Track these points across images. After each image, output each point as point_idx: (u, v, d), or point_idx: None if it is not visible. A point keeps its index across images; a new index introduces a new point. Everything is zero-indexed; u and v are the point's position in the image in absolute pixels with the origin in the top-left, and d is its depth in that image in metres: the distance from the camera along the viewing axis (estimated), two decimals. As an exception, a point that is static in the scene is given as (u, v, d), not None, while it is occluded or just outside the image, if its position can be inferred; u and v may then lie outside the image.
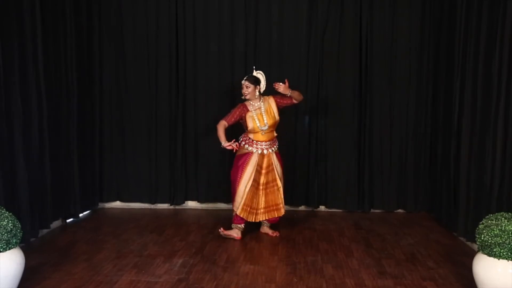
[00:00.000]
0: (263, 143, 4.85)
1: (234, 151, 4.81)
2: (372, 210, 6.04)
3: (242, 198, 4.77)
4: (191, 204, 6.22)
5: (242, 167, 4.81)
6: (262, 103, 4.87)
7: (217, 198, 6.10)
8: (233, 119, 4.84)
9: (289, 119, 5.70)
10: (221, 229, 4.88)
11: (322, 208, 6.11)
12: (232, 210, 4.92)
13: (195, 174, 6.11)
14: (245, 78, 4.87)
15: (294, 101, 4.91)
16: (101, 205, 6.19)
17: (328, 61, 5.93)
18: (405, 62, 5.90)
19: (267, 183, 4.87)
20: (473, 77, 4.61)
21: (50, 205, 4.93)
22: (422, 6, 5.81)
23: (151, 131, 6.09)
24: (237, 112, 4.85)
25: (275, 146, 4.95)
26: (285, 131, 5.89)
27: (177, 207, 6.17)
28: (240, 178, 4.79)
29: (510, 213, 3.41)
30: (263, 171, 4.85)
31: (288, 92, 4.80)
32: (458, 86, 4.91)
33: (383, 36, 5.87)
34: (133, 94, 6.08)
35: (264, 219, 4.94)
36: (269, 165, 4.87)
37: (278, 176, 4.91)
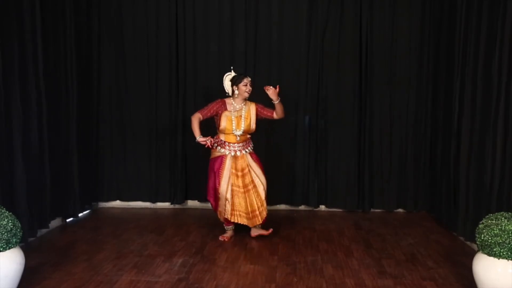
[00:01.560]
0: (236, 145, 4.75)
1: (207, 146, 4.69)
2: (372, 210, 6.05)
3: (226, 204, 4.70)
4: (191, 203, 6.22)
5: (219, 173, 4.71)
6: (244, 106, 4.77)
7: (217, 198, 6.10)
8: (209, 114, 4.72)
9: (289, 119, 5.70)
10: (221, 237, 4.86)
11: (322, 208, 6.11)
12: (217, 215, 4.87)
13: (195, 174, 6.11)
14: (247, 76, 4.77)
15: (275, 116, 4.79)
16: (101, 204, 6.20)
17: (328, 61, 5.94)
18: (405, 62, 5.90)
19: (244, 186, 4.75)
20: (473, 77, 4.61)
21: (49, 205, 4.93)
22: (422, 6, 5.81)
23: (151, 131, 6.10)
24: (215, 108, 4.73)
25: (249, 148, 4.83)
26: (285, 131, 5.91)
27: (177, 206, 6.18)
28: (219, 185, 4.70)
29: (510, 213, 3.40)
30: (239, 174, 4.74)
31: (275, 98, 4.66)
32: (458, 86, 4.90)
33: (383, 36, 5.87)
34: (133, 94, 6.09)
35: (244, 223, 4.79)
36: (244, 167, 4.75)
37: (257, 176, 4.78)
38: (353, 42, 5.90)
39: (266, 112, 4.83)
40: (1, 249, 3.25)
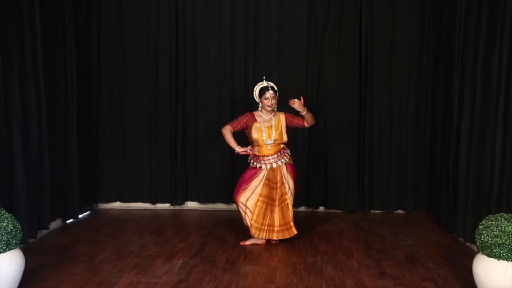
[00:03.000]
0: (270, 157, 4.65)
1: (249, 158, 4.66)
2: (372, 211, 6.04)
3: (247, 213, 4.63)
4: (191, 205, 6.22)
5: (247, 182, 4.64)
6: (273, 117, 4.70)
7: (217, 198, 6.10)
8: (239, 126, 4.66)
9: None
10: (242, 242, 4.75)
11: (322, 208, 6.11)
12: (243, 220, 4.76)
13: (195, 175, 6.11)
14: (270, 88, 4.62)
15: (306, 124, 4.73)
16: (101, 206, 6.19)
17: (328, 61, 5.93)
18: (405, 62, 5.89)
19: (279, 198, 4.67)
20: (472, 77, 4.61)
21: (48, 206, 4.92)
22: (422, 6, 5.81)
23: (151, 131, 6.09)
24: (244, 120, 4.67)
25: (285, 157, 4.72)
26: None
27: (177, 207, 6.17)
28: (240, 194, 4.65)
29: (510, 214, 3.40)
30: (275, 186, 4.66)
31: (303, 110, 4.61)
32: (457, 86, 4.90)
33: (383, 36, 5.87)
34: (133, 94, 6.08)
35: (278, 238, 4.70)
36: (281, 178, 4.67)
37: (290, 189, 4.71)
38: (353, 42, 5.89)
39: (297, 121, 4.74)
40: (1, 251, 3.25)
